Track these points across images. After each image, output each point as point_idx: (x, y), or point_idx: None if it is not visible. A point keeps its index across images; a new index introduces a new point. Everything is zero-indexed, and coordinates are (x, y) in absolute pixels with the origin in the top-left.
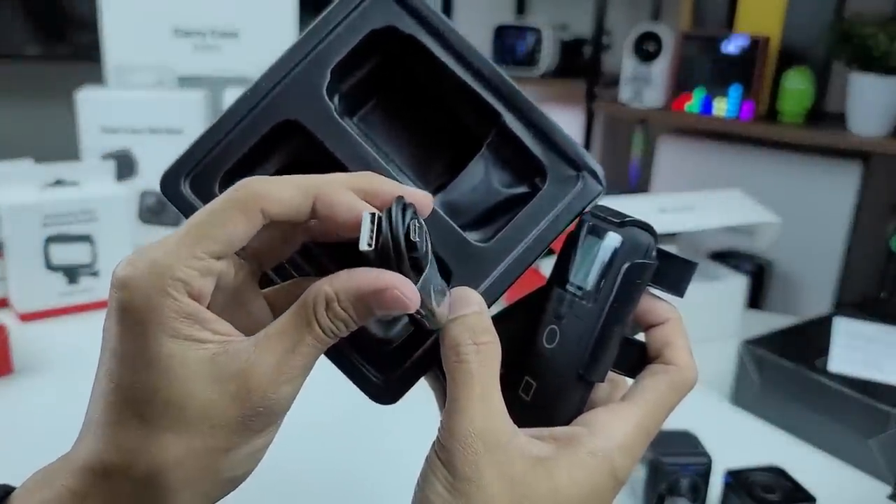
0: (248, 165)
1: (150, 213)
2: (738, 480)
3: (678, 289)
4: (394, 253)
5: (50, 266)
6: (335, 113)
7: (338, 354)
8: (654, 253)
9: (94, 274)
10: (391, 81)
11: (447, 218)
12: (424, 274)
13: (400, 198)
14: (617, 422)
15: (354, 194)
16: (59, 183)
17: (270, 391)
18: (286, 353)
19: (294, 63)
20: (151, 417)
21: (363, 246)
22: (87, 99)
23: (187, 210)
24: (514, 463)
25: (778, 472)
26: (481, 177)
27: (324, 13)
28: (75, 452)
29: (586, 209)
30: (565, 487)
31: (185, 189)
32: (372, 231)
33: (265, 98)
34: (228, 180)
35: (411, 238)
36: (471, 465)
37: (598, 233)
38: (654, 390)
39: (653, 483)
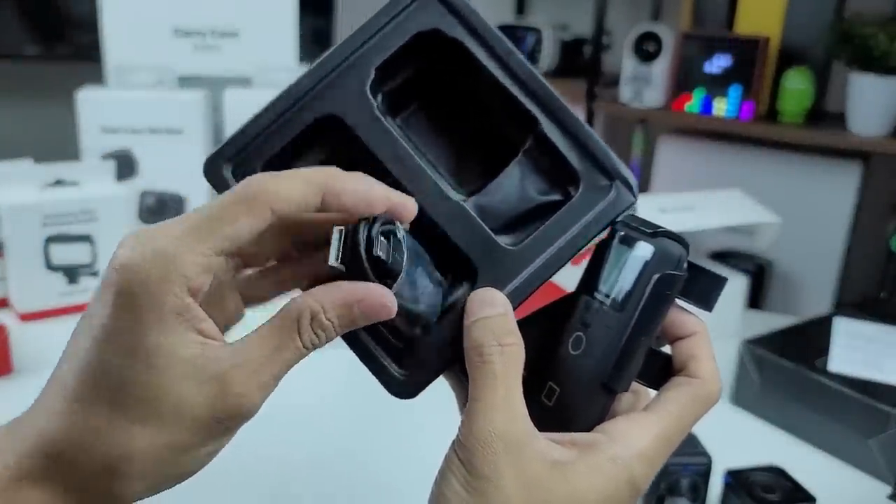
0: (289, 156)
1: (150, 213)
2: (737, 480)
3: (707, 302)
4: (356, 269)
5: (50, 266)
6: (377, 111)
7: (361, 347)
8: (684, 265)
9: (94, 274)
10: (434, 85)
11: (477, 218)
12: (399, 280)
13: (366, 218)
14: (637, 431)
15: (362, 181)
16: (59, 183)
17: (245, 398)
18: (267, 361)
19: (340, 60)
20: (124, 406)
21: (332, 262)
22: (88, 99)
23: None
24: (532, 465)
25: (778, 472)
26: (516, 182)
27: (373, 15)
28: (22, 430)
29: (618, 219)
30: (582, 493)
31: (227, 174)
32: (339, 247)
33: (310, 91)
34: (269, 169)
35: (374, 254)
36: (489, 465)
37: (629, 242)
38: (677, 402)
39: (653, 483)
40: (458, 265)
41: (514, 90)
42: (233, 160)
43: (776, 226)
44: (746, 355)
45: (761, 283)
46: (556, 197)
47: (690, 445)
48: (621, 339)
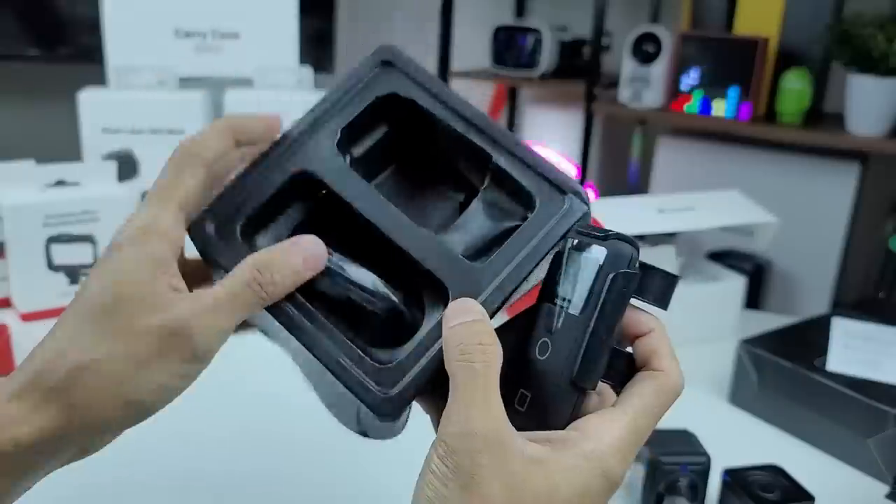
0: (268, 214)
1: None
2: (736, 480)
3: (663, 301)
4: None
5: (51, 266)
6: (345, 163)
7: (341, 369)
8: (637, 264)
9: None
10: (405, 146)
11: (443, 242)
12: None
13: None
14: (608, 425)
15: (254, 116)
16: (60, 183)
17: (188, 317)
18: (211, 295)
19: (307, 125)
20: (97, 325)
21: None
22: (89, 100)
23: (217, 255)
24: (511, 462)
25: (776, 472)
26: (481, 217)
27: (335, 85)
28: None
29: (574, 227)
30: (560, 487)
31: (210, 230)
32: None
33: (282, 154)
34: (249, 226)
35: None
36: (469, 462)
37: (582, 248)
38: (642, 395)
39: (651, 482)
40: (430, 288)
41: (468, 133)
42: (215, 221)
43: (774, 226)
44: (745, 355)
45: (760, 283)
46: (518, 222)
47: (689, 445)
48: (584, 337)
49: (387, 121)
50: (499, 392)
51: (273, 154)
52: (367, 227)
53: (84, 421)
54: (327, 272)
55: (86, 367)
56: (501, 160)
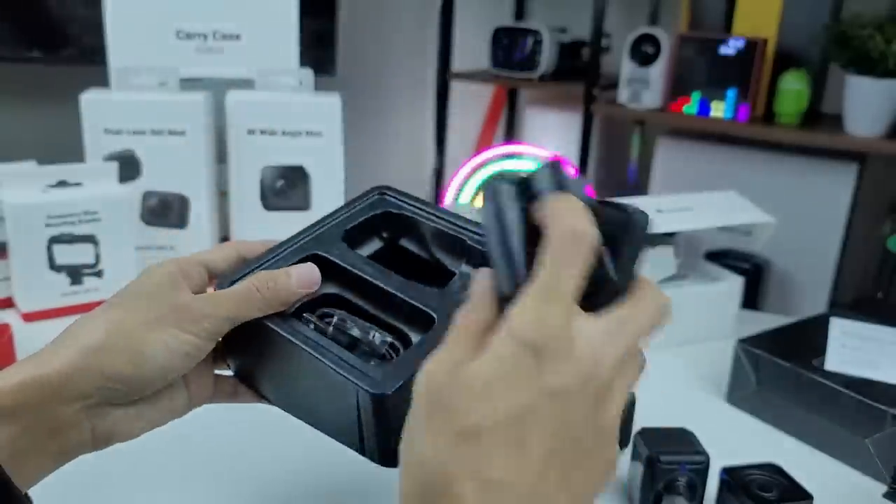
0: None
1: (153, 214)
2: (734, 478)
3: (649, 239)
4: None
5: (53, 266)
6: (346, 246)
7: (339, 361)
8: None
9: (98, 274)
10: (400, 255)
11: (420, 285)
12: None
13: None
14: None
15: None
16: (62, 184)
17: (200, 308)
18: (219, 295)
19: (319, 226)
20: (124, 304)
21: None
22: (91, 101)
23: None
24: (444, 381)
25: (775, 470)
26: (458, 287)
27: (340, 204)
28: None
29: None
30: (474, 375)
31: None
32: None
33: (295, 244)
34: None
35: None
36: (416, 399)
37: None
38: (541, 262)
39: (650, 481)
40: (418, 323)
41: (448, 229)
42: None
43: (772, 226)
44: (742, 355)
45: (758, 282)
46: None
47: (688, 444)
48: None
49: (381, 230)
50: (462, 349)
51: (289, 244)
52: (364, 288)
53: (92, 361)
54: (334, 328)
55: (104, 319)
56: (472, 240)
